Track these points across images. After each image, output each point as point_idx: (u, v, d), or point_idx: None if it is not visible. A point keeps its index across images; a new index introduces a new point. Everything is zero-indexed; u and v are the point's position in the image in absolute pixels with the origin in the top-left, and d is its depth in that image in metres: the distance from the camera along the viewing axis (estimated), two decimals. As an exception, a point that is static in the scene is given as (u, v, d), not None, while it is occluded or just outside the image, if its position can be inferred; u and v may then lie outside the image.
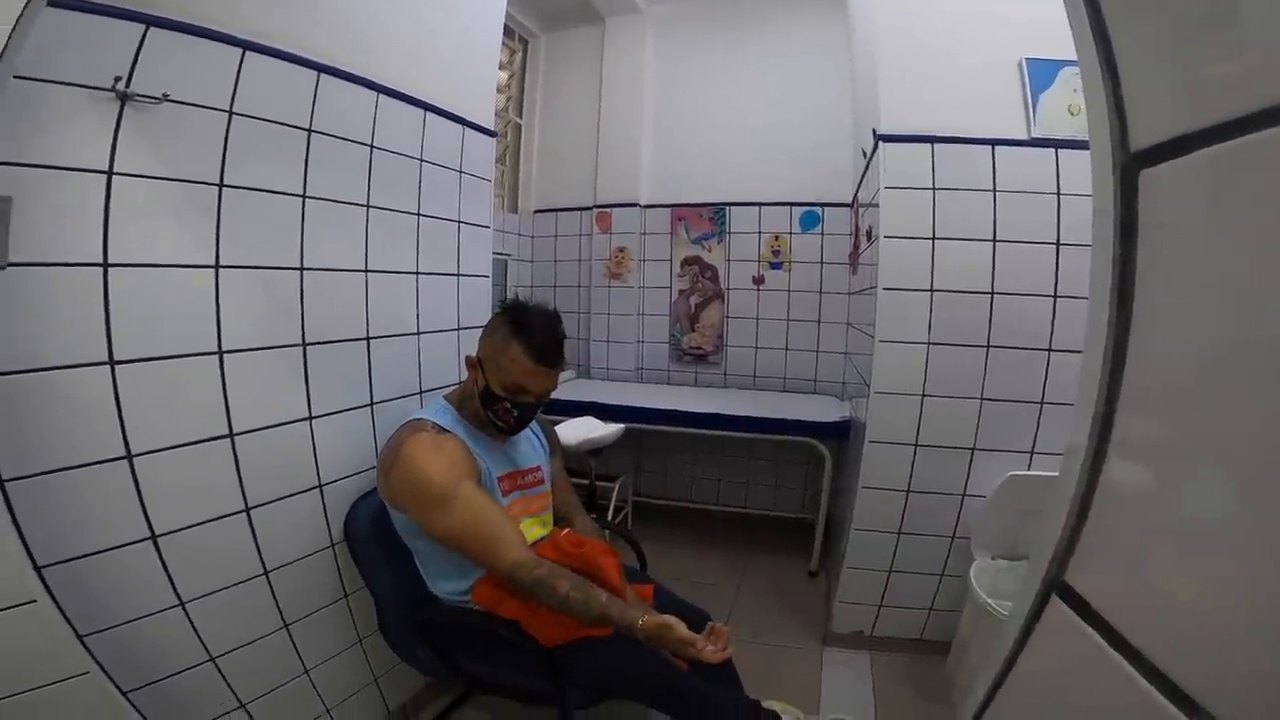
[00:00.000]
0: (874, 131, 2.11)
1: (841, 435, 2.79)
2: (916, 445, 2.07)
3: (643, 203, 3.69)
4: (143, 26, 1.15)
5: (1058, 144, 1.88)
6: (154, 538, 1.24)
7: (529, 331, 1.49)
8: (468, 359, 1.57)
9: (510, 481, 1.63)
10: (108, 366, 1.14)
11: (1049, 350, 1.94)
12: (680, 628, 1.37)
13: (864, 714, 2.03)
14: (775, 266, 3.48)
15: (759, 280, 3.51)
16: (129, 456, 1.19)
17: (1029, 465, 2.01)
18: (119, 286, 1.14)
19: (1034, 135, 1.89)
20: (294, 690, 1.60)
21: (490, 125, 2.09)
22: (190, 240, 1.26)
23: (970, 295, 1.96)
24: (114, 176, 1.13)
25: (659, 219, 3.68)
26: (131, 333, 1.17)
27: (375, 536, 1.62)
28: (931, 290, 1.98)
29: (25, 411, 1.05)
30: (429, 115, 1.81)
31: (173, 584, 1.29)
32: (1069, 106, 1.88)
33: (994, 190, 1.92)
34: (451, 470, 1.44)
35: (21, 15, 0.89)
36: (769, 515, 3.64)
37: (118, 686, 1.19)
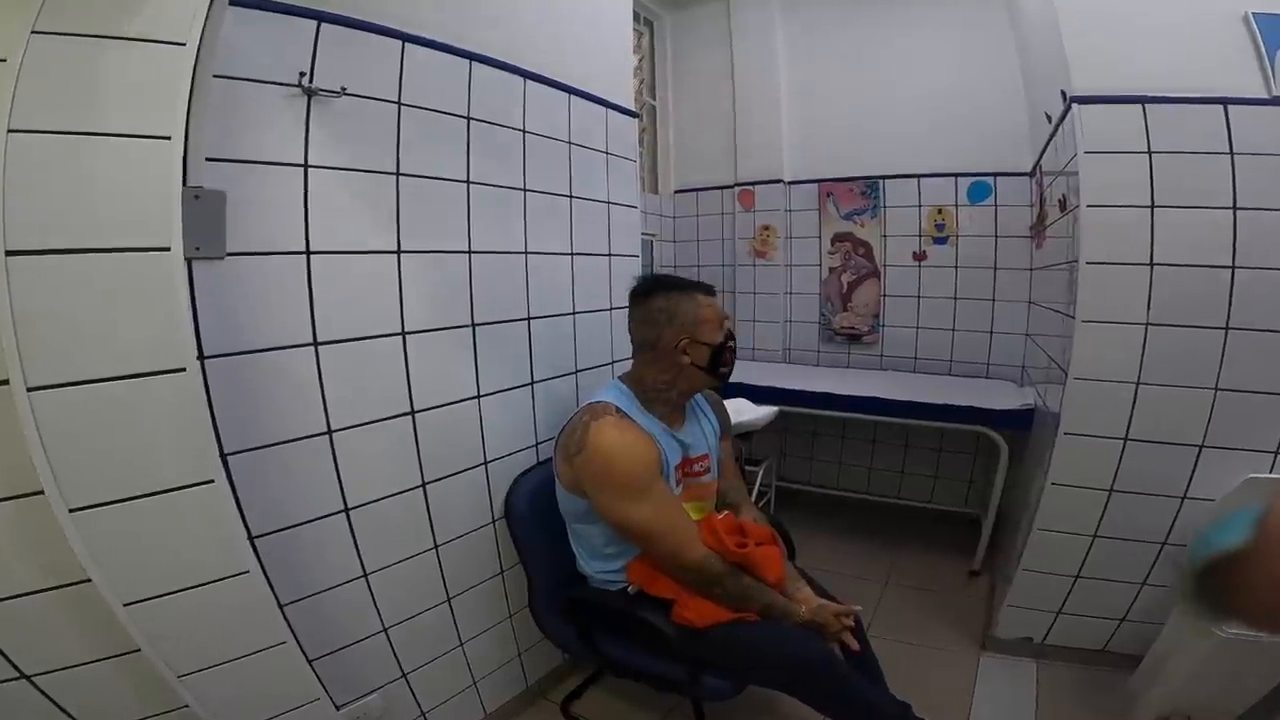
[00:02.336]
0: (1063, 93, 1.86)
1: (1022, 425, 2.52)
2: (1126, 439, 1.81)
3: (787, 179, 3.51)
4: (315, 23, 1.19)
5: None
6: (347, 510, 1.32)
7: (684, 282, 1.54)
8: (676, 346, 1.50)
9: (682, 470, 1.58)
10: (312, 348, 1.21)
11: (1307, 333, 1.63)
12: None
13: None
14: (939, 241, 3.21)
15: (920, 256, 3.25)
16: (329, 432, 1.27)
17: (1272, 467, 1.71)
18: (319, 273, 1.22)
19: (1275, 94, 1.60)
20: (448, 662, 1.67)
21: (631, 105, 2.08)
22: (375, 227, 1.32)
23: (1203, 269, 1.68)
24: (309, 169, 1.19)
25: (805, 195, 3.49)
26: (330, 316, 1.24)
27: (534, 514, 1.66)
28: (1151, 264, 1.71)
29: (244, 389, 1.13)
30: (573, 98, 1.82)
31: (359, 555, 1.37)
32: None
33: (1230, 153, 1.63)
34: (643, 463, 1.42)
35: (210, 9, 0.93)
36: (925, 508, 3.40)
37: (306, 656, 1.25)
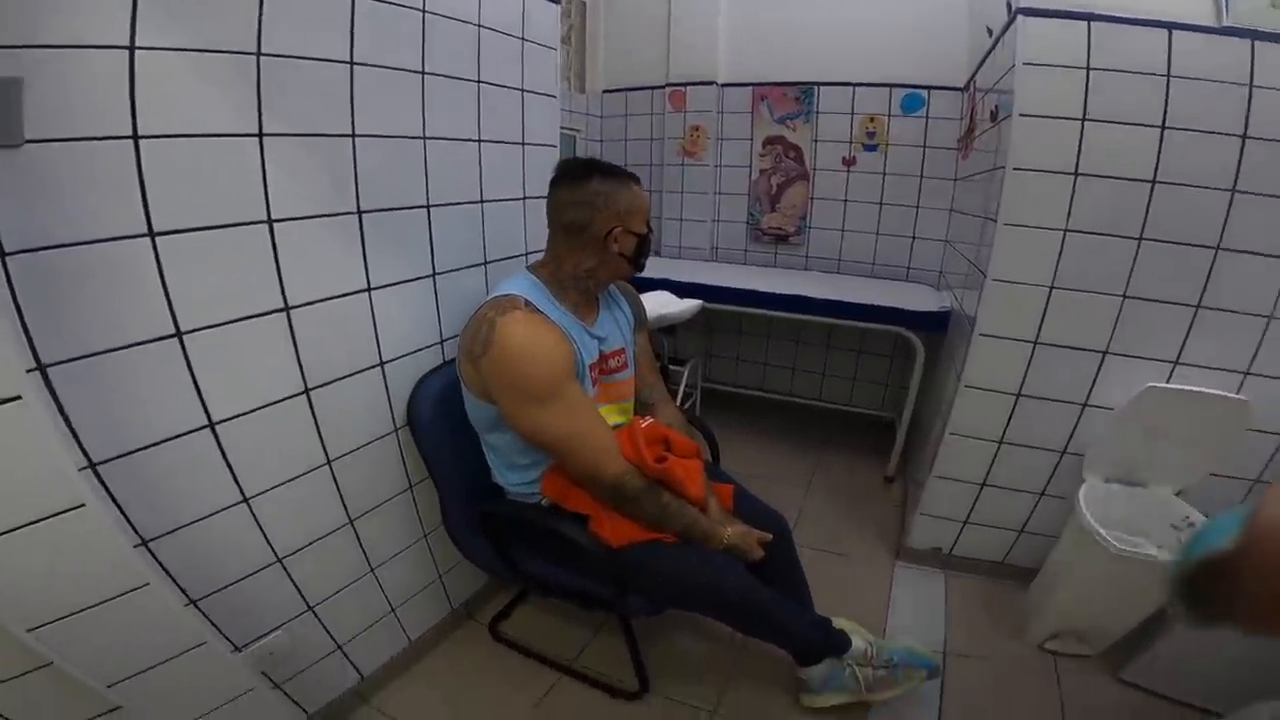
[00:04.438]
0: (1009, 4, 1.81)
1: (939, 327, 2.56)
2: (1036, 343, 1.84)
3: (721, 81, 3.37)
4: None
5: (1255, 34, 1.55)
6: (211, 426, 1.16)
7: (618, 170, 1.43)
8: (608, 233, 1.40)
9: (598, 368, 1.50)
10: (148, 239, 1.02)
11: (1216, 248, 1.65)
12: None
13: (934, 640, 1.92)
14: (869, 149, 3.16)
15: (850, 162, 3.20)
16: (179, 334, 1.08)
17: (1169, 377, 1.77)
18: (153, 158, 1.00)
19: (1225, 24, 1.57)
20: (360, 590, 1.58)
21: None
22: (229, 111, 1.10)
23: (1125, 182, 1.67)
24: (136, 51, 0.96)
25: (739, 98, 3.37)
26: (169, 204, 1.03)
27: (440, 420, 1.52)
28: (1075, 174, 1.69)
29: (62, 288, 0.94)
30: None
31: (235, 478, 1.22)
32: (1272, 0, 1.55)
33: (1168, 75, 1.60)
34: (555, 363, 1.32)
35: None
36: (845, 410, 3.49)
37: (188, 596, 1.16)
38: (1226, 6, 1.57)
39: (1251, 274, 1.64)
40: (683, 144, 3.48)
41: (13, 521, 0.83)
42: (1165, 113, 1.62)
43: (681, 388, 2.96)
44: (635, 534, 1.42)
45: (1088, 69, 1.64)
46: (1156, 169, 1.65)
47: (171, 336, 1.07)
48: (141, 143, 0.99)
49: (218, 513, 1.20)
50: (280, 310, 1.22)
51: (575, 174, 1.40)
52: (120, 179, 0.98)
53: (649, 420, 1.54)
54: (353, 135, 1.31)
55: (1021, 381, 1.90)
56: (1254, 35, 1.55)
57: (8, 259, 0.87)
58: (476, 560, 1.64)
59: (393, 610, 1.70)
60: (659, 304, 2.61)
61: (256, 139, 1.14)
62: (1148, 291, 1.72)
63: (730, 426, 3.28)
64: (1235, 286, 1.66)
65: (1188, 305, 1.70)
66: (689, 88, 3.41)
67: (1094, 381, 1.84)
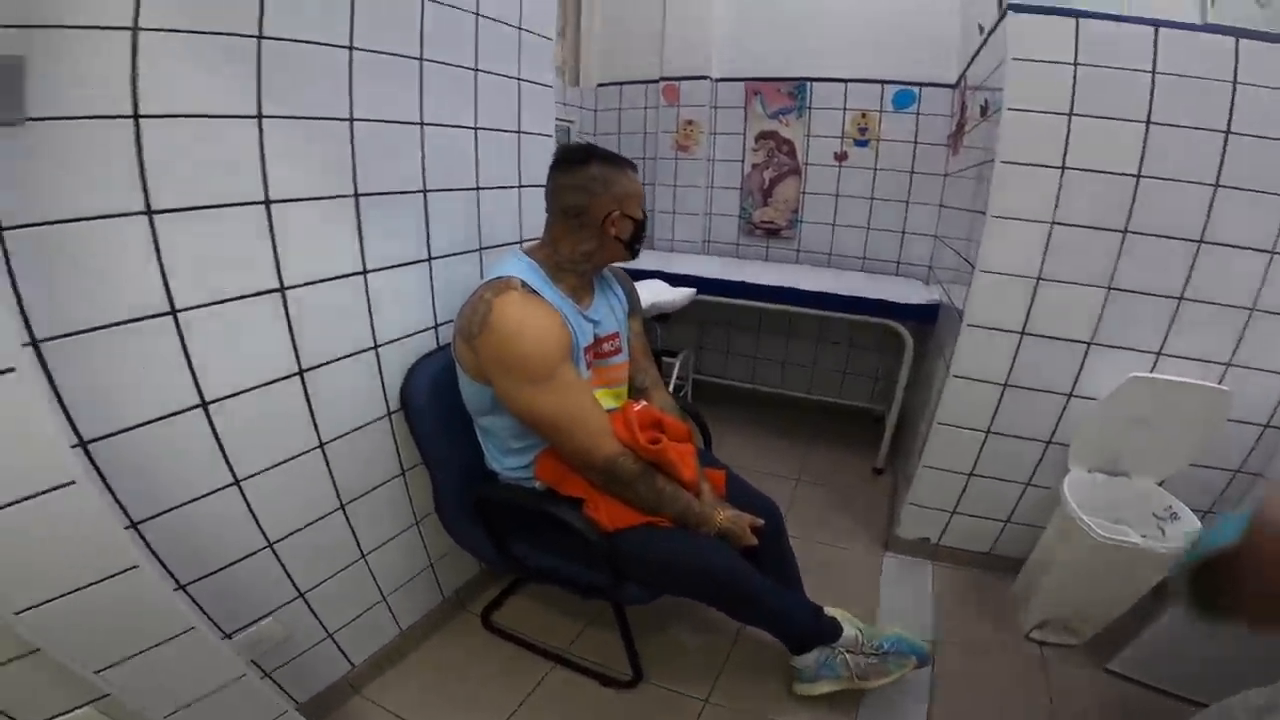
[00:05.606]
0: (1000, 2, 1.84)
1: (928, 319, 2.59)
2: (1023, 333, 1.87)
3: (714, 76, 3.39)
4: None
5: (1240, 33, 1.58)
6: (204, 405, 1.15)
7: (615, 156, 1.44)
8: (607, 217, 1.41)
9: (591, 352, 1.51)
10: (145, 216, 1.02)
11: (1199, 241, 1.68)
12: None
13: (922, 630, 1.94)
14: (860, 144, 3.18)
15: (841, 157, 3.23)
16: (173, 312, 1.08)
17: (1153, 367, 1.80)
18: (153, 138, 1.01)
19: (1209, 21, 1.59)
20: (351, 577, 1.58)
21: None
22: (230, 93, 1.11)
23: (1110, 175, 1.70)
24: (139, 32, 0.97)
25: (732, 92, 3.38)
26: (169, 182, 1.04)
27: (434, 404, 1.52)
28: (1063, 167, 1.72)
29: (56, 265, 0.94)
30: None
31: (226, 460, 1.21)
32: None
33: (1153, 71, 1.63)
34: (551, 344, 1.32)
35: None
36: (835, 404, 3.52)
37: (175, 578, 1.16)
38: (1211, 3, 1.60)
39: (1233, 267, 1.68)
40: (676, 138, 3.49)
41: (2, 498, 0.81)
42: (1150, 108, 1.65)
43: (673, 379, 2.98)
44: (630, 518, 1.43)
45: (1075, 65, 1.67)
46: (1141, 164, 1.68)
47: (166, 314, 1.07)
48: (142, 122, 0.99)
49: (208, 494, 1.20)
50: (275, 290, 1.23)
51: (574, 159, 1.41)
52: (120, 157, 0.98)
53: (642, 404, 1.55)
54: (350, 119, 1.32)
55: (1009, 371, 1.92)
56: (1239, 33, 1.58)
57: (5, 234, 0.87)
58: (470, 547, 1.64)
59: (384, 599, 1.70)
60: (653, 292, 2.62)
61: (255, 120, 1.14)
62: (1132, 283, 1.75)
63: (721, 419, 3.26)
64: (1217, 279, 1.70)
65: (1171, 297, 1.73)
66: (683, 82, 3.42)
67: (1079, 372, 1.87)
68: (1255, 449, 1.81)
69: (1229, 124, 1.61)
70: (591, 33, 3.67)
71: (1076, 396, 1.90)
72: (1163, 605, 1.71)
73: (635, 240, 1.48)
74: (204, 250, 1.10)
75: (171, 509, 1.14)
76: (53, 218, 0.92)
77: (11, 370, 0.79)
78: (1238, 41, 1.58)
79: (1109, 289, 1.76)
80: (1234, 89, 1.60)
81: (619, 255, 1.49)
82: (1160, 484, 1.86)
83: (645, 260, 3.12)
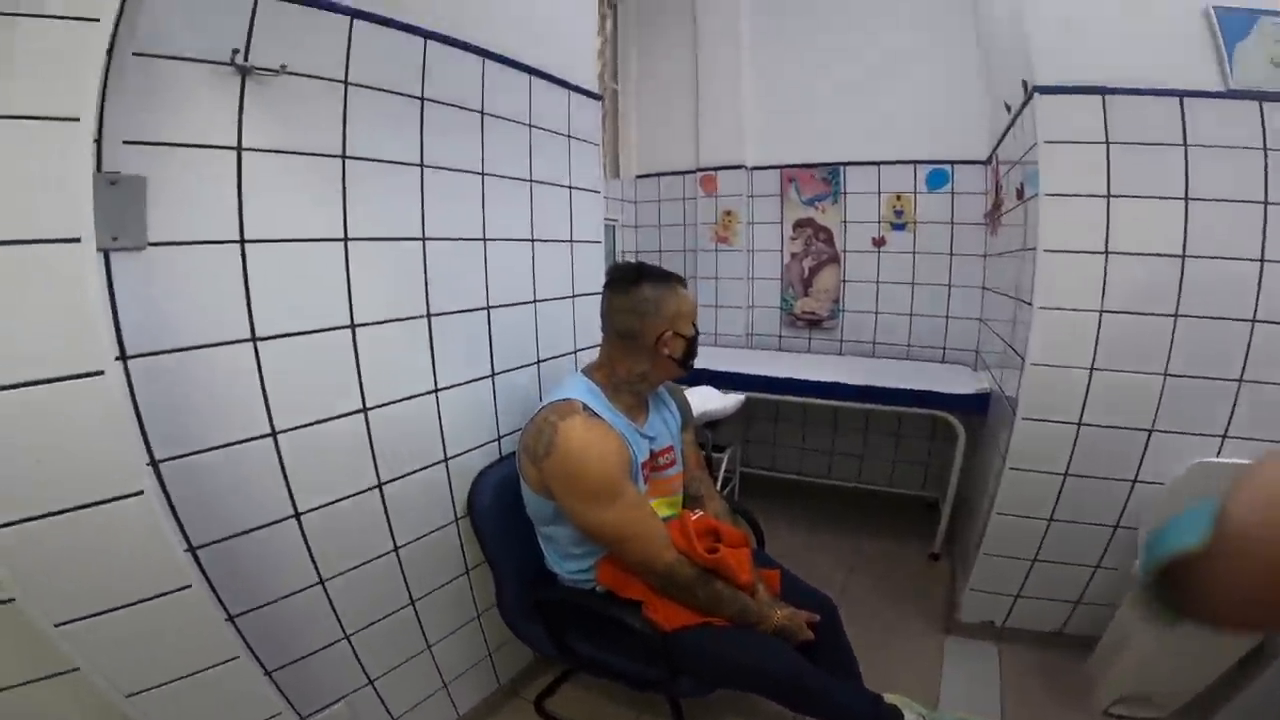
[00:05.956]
0: (1024, 83, 1.88)
1: (979, 409, 2.55)
2: (1080, 424, 1.84)
3: (749, 164, 3.49)
4: None
5: (1262, 95, 1.61)
6: (297, 515, 1.25)
7: (665, 273, 1.50)
8: (659, 338, 1.47)
9: (648, 466, 1.56)
10: (250, 344, 1.14)
11: (1252, 321, 1.67)
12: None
13: (990, 711, 1.88)
14: (897, 228, 3.22)
15: (879, 242, 3.27)
16: (274, 434, 1.19)
17: (1219, 451, 1.76)
18: (257, 263, 1.13)
19: (1232, 87, 1.63)
20: (416, 665, 1.62)
21: (594, 88, 2.02)
22: (320, 214, 1.24)
23: (1155, 258, 1.70)
24: (243, 152, 1.10)
25: (767, 181, 3.48)
26: (270, 309, 1.16)
27: (497, 511, 1.60)
28: (1106, 252, 1.73)
29: (176, 390, 1.05)
30: (534, 80, 1.75)
31: (314, 562, 1.30)
32: (1271, 58, 1.62)
33: (1184, 145, 1.66)
34: (614, 466, 1.38)
35: None
36: (886, 492, 3.44)
37: (263, 667, 1.21)
38: (1230, 70, 1.63)
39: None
40: (716, 229, 3.57)
41: (127, 598, 0.92)
42: (1187, 184, 1.67)
43: (720, 474, 2.97)
44: (688, 618, 1.45)
45: (1107, 144, 1.70)
46: (1185, 243, 1.68)
47: (267, 435, 1.18)
48: (247, 247, 1.12)
49: (299, 591, 1.29)
50: (359, 411, 1.34)
51: (627, 280, 1.48)
52: (229, 284, 1.11)
53: (698, 514, 1.59)
54: (423, 239, 1.44)
55: (1069, 461, 1.89)
56: (1261, 96, 1.61)
57: (129, 362, 0.98)
58: (530, 641, 1.67)
59: (445, 685, 1.73)
60: (703, 399, 2.64)
61: (342, 244, 1.27)
62: (1188, 369, 1.73)
63: (771, 512, 3.23)
64: (1275, 358, 1.67)
65: (1230, 380, 1.71)
66: (720, 172, 3.52)
67: (1141, 459, 1.83)
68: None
69: (1265, 193, 1.62)
70: (630, 124, 3.84)
71: (1141, 482, 1.85)
72: (1253, 672, 1.63)
73: (688, 356, 1.53)
74: (300, 375, 1.21)
75: (266, 604, 1.23)
76: (171, 346, 1.04)
77: (139, 492, 0.89)
78: (1261, 105, 1.61)
79: (1165, 375, 1.75)
80: (1265, 155, 1.61)
81: (673, 373, 1.55)
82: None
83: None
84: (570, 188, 1.90)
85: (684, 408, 1.76)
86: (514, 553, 1.62)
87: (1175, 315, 1.71)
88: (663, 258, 3.77)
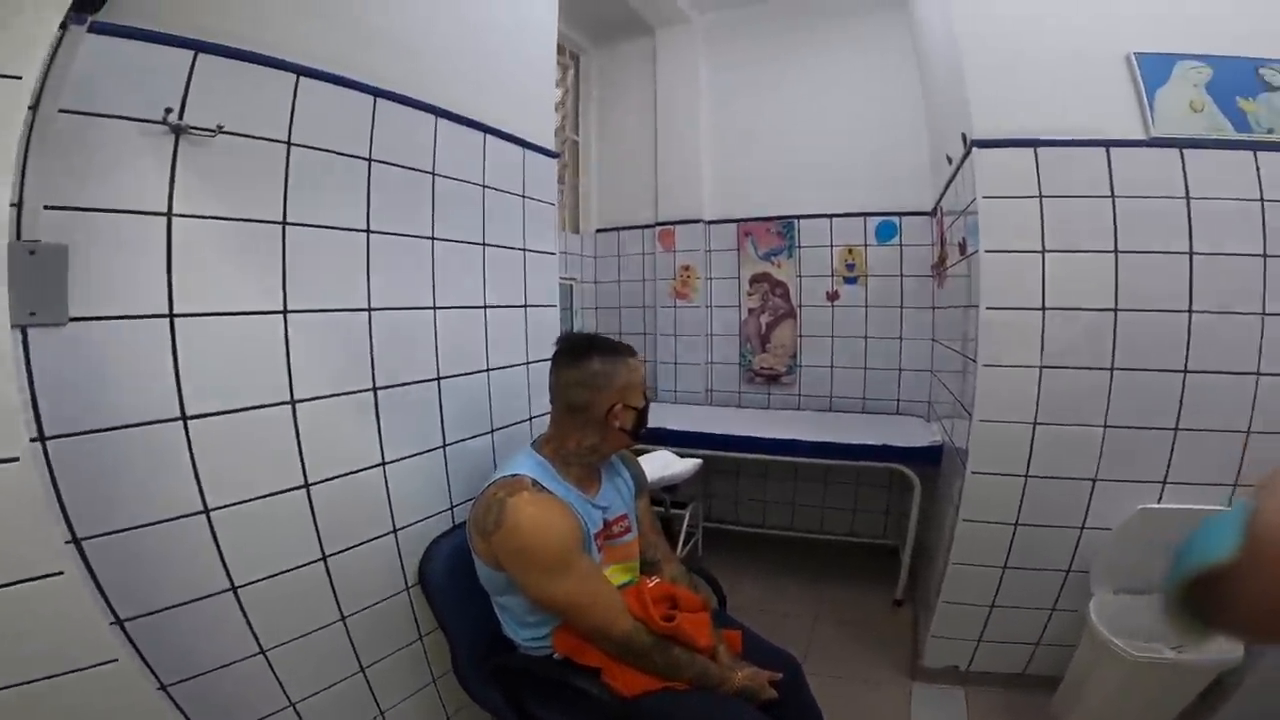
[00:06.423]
0: (964, 136, 1.95)
1: (932, 461, 2.61)
2: (1027, 476, 1.89)
3: (707, 218, 3.57)
4: (191, 53, 1.07)
5: (1182, 143, 1.70)
6: (234, 589, 1.20)
7: (614, 344, 1.50)
8: (610, 411, 1.47)
9: (602, 536, 1.55)
10: (180, 423, 1.09)
11: (1184, 371, 1.75)
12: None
13: None
14: (850, 281, 3.32)
15: (833, 296, 3.35)
16: (206, 511, 1.14)
17: (1160, 497, 1.82)
18: (186, 338, 1.08)
19: (1153, 135, 1.72)
20: None
21: (551, 146, 2.01)
22: (256, 285, 1.19)
23: (1089, 312, 1.78)
24: (174, 219, 1.06)
25: (725, 235, 3.56)
26: (202, 386, 1.11)
27: (451, 580, 1.56)
28: (1044, 309, 1.80)
29: (101, 469, 1.01)
30: (489, 138, 1.73)
31: (254, 633, 1.24)
32: (1190, 103, 1.71)
33: (1112, 196, 1.74)
34: (565, 539, 1.37)
35: (60, 44, 0.85)
36: (847, 541, 3.46)
37: None
38: (1152, 117, 1.71)
39: (1221, 392, 1.73)
40: (674, 285, 3.61)
41: (50, 671, 0.87)
42: (1115, 235, 1.74)
43: (683, 530, 2.96)
44: (648, 683, 1.43)
45: (1040, 197, 1.77)
46: (1116, 296, 1.76)
47: (199, 513, 1.13)
48: (177, 322, 1.07)
49: (239, 661, 1.23)
50: (300, 487, 1.28)
51: (576, 353, 1.49)
52: (156, 362, 1.06)
53: (655, 580, 1.58)
54: (369, 309, 1.40)
55: (1018, 512, 1.94)
56: (1181, 144, 1.69)
57: (48, 443, 0.94)
58: (489, 708, 1.62)
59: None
60: (661, 465, 2.63)
61: (281, 316, 1.22)
62: (1127, 419, 1.80)
63: (734, 565, 3.23)
64: (1209, 406, 1.74)
65: (1166, 429, 1.78)
66: (678, 226, 3.59)
67: (1088, 507, 1.88)
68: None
69: (1190, 243, 1.70)
70: (591, 178, 3.89)
71: (1089, 528, 1.90)
72: (1215, 704, 1.67)
73: (639, 427, 1.54)
74: (234, 452, 1.17)
75: (202, 674, 1.17)
76: (93, 427, 0.99)
77: (60, 573, 0.85)
78: (1181, 153, 1.69)
79: (1105, 427, 1.81)
80: (1188, 204, 1.69)
81: (623, 444, 1.55)
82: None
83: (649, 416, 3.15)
84: (524, 250, 1.88)
85: (638, 477, 1.75)
86: (469, 619, 1.58)
87: (1111, 369, 1.78)
88: (622, 314, 3.82)
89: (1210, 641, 0.60)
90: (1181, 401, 1.75)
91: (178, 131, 1.05)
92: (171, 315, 1.07)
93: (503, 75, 1.80)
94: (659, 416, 3.09)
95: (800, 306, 3.42)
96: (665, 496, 2.79)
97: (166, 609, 1.10)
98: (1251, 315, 1.70)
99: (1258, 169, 1.68)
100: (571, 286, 3.58)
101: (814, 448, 2.78)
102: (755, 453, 2.89)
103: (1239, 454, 1.75)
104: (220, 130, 1.10)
